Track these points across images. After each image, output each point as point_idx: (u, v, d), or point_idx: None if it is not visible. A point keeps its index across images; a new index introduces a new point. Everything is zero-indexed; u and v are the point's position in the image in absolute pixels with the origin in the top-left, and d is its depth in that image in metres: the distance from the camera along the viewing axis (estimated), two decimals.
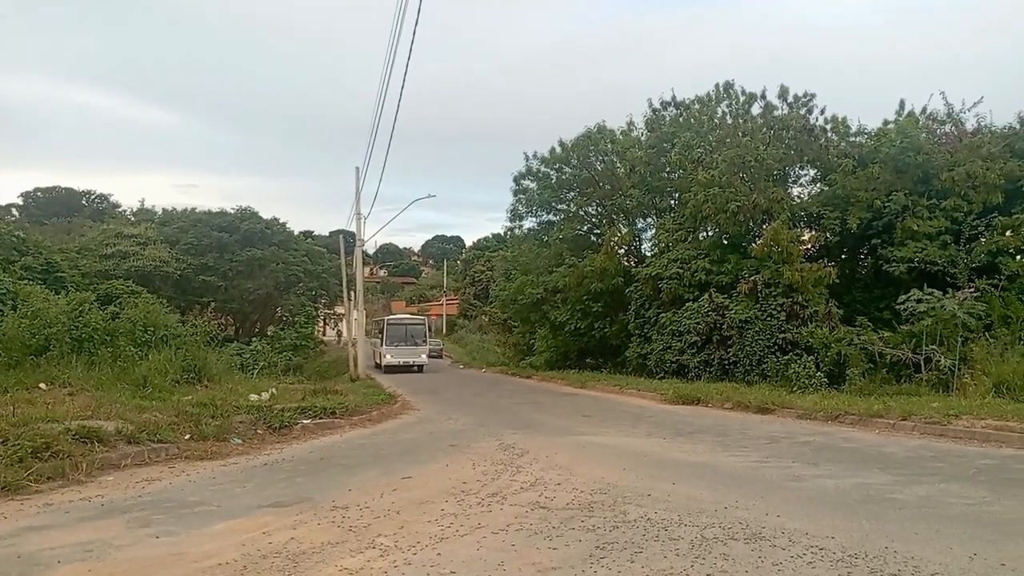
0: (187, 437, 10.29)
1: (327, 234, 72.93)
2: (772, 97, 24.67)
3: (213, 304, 39.39)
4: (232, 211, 43.05)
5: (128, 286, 27.70)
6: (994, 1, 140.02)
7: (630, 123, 30.51)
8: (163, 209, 46.65)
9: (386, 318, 38.93)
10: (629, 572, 4.48)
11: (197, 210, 43.88)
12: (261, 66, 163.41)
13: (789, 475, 8.04)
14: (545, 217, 32.41)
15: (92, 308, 17.47)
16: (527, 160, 31.75)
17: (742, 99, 26.29)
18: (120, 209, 59.78)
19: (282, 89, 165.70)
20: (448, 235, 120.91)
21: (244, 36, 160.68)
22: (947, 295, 16.26)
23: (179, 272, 36.50)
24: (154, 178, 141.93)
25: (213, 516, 6.38)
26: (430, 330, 43.05)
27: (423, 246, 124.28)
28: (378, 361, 36.95)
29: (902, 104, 23.21)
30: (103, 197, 68.56)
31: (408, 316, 44.65)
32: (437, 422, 14.37)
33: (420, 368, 36.02)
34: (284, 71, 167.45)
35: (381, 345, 36.37)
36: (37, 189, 67.70)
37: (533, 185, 31.95)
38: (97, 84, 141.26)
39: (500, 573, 4.61)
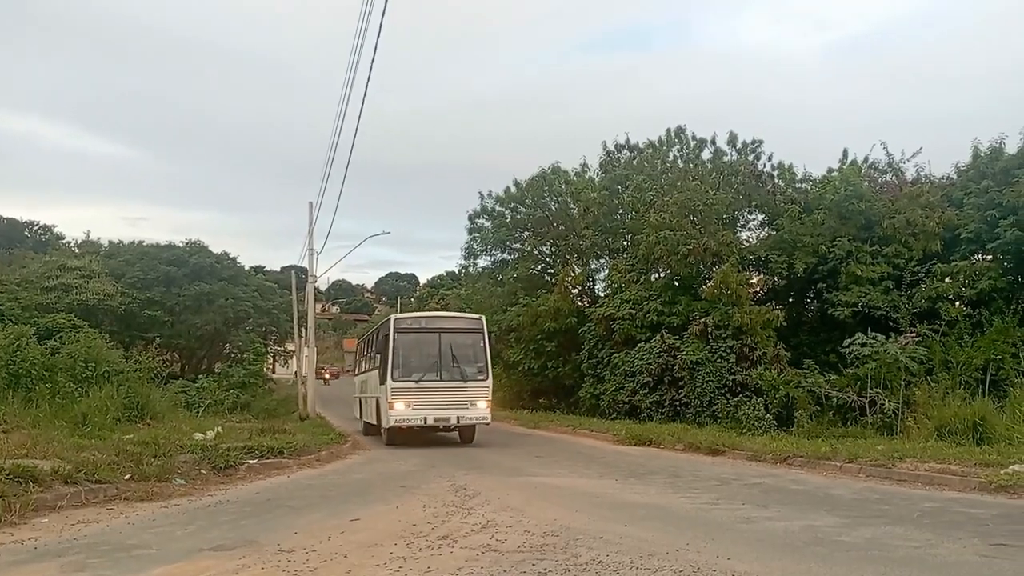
0: (127, 477, 9.92)
1: (279, 269, 72.00)
2: (722, 143, 25.45)
3: (159, 339, 38.34)
4: (181, 244, 42.16)
5: (70, 320, 26.87)
6: (928, 59, 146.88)
7: (584, 164, 31.06)
8: (109, 241, 45.47)
9: (394, 319, 18.29)
10: None
11: (145, 243, 42.86)
12: (213, 98, 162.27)
13: (739, 517, 8.08)
14: (499, 256, 32.59)
15: (30, 342, 16.91)
16: (482, 199, 31.95)
17: (693, 144, 27.00)
18: (64, 241, 58.13)
19: (235, 122, 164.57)
20: (402, 272, 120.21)
21: (196, 68, 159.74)
22: (890, 339, 16.72)
23: (124, 306, 35.51)
24: (101, 210, 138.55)
25: (151, 560, 6.14)
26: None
27: (376, 283, 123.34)
28: (373, 415, 18.98)
29: (845, 153, 24.11)
30: (47, 228, 66.60)
31: (444, 314, 23.44)
32: (387, 462, 14.14)
33: (471, 435, 17.88)
34: (237, 104, 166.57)
35: (386, 379, 16.91)
36: None
37: (488, 224, 32.16)
38: (42, 113, 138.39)
39: None
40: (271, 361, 46.03)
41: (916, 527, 7.41)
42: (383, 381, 17.12)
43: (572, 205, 29.92)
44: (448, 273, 44.55)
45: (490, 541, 6.73)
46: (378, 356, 18.47)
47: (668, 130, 27.64)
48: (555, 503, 9.08)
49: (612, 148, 29.43)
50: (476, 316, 19.20)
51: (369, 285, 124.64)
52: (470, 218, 32.74)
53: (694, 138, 27.09)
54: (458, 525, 7.58)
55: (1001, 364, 16.65)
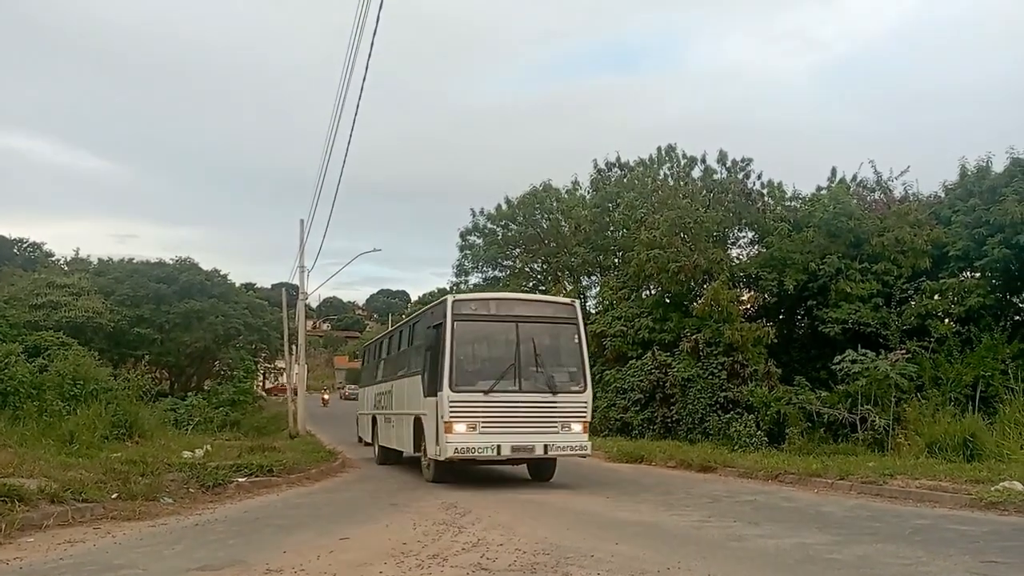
0: (114, 496, 9.81)
1: (269, 286, 71.66)
2: (712, 161, 25.67)
3: (148, 357, 38.10)
4: (171, 262, 42.03)
5: (58, 337, 26.66)
6: (915, 77, 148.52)
7: (575, 182, 31.26)
8: (99, 259, 45.26)
9: (453, 301, 12.63)
10: None
11: (134, 260, 42.71)
12: (204, 116, 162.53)
13: (731, 535, 8.06)
14: (491, 273, 32.67)
15: (19, 360, 16.79)
16: (473, 216, 32.09)
17: (683, 162, 27.23)
18: (53, 258, 57.68)
19: (227, 139, 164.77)
20: (393, 289, 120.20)
21: (187, 84, 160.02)
22: (880, 356, 16.76)
23: (113, 324, 35.30)
24: (91, 227, 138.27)
25: None
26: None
27: (368, 300, 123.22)
28: (406, 441, 14.41)
29: (834, 171, 24.30)
30: (36, 246, 66.15)
31: (523, 296, 18.06)
32: (377, 480, 14.06)
33: (550, 471, 13.44)
34: (229, 121, 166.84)
35: (439, 388, 11.98)
36: None
37: (479, 241, 32.29)
38: (31, 129, 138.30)
39: None
40: (262, 378, 45.69)
41: (907, 544, 7.40)
42: (432, 391, 12.21)
43: (563, 222, 30.09)
44: (439, 290, 44.58)
45: (481, 560, 6.69)
46: (421, 356, 13.33)
47: (659, 148, 27.97)
48: (546, 521, 9.03)
49: (603, 166, 29.71)
50: (568, 300, 13.96)
51: (360, 302, 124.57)
52: (461, 235, 32.89)
53: (684, 156, 27.34)
54: (448, 543, 7.53)
55: (990, 381, 16.71)
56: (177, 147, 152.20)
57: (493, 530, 8.28)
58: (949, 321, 19.42)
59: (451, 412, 11.77)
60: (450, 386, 11.82)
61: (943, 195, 22.34)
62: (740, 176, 24.52)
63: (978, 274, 19.88)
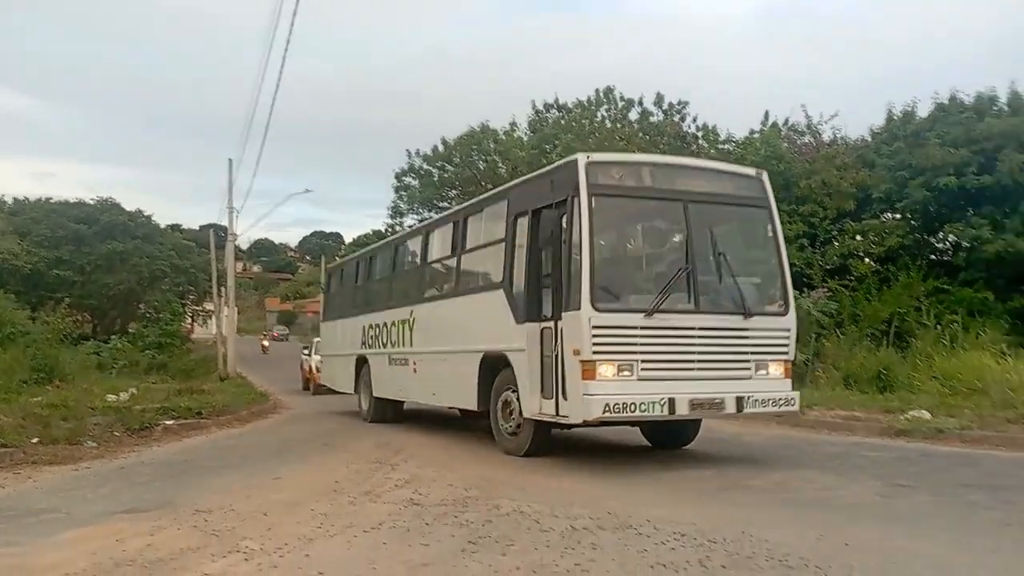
0: (35, 441, 9.55)
1: (197, 228, 69.72)
2: (649, 104, 25.75)
3: (68, 300, 36.71)
4: (92, 202, 40.47)
5: None
6: (846, 25, 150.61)
7: (513, 124, 30.93)
8: (14, 198, 43.08)
9: (586, 163, 7.78)
10: (500, 565, 4.50)
11: (53, 200, 40.92)
12: (128, 52, 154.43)
13: (657, 466, 8.31)
14: (427, 215, 32.30)
15: None
16: (409, 157, 31.60)
17: (621, 104, 27.21)
18: None
19: (151, 76, 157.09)
20: (327, 231, 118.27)
21: (109, 20, 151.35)
22: (803, 295, 17.32)
23: (30, 265, 33.89)
24: (5, 164, 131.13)
25: (62, 524, 5.93)
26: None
27: (301, 242, 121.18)
28: (464, 395, 10.00)
29: (767, 115, 24.62)
30: None
31: (688, 162, 10.81)
32: (311, 421, 14.02)
33: (689, 433, 9.44)
34: (153, 58, 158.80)
35: (575, 302, 7.49)
36: None
37: (415, 182, 31.87)
38: None
39: (371, 572, 4.52)
40: (190, 321, 44.69)
41: (821, 471, 7.77)
42: (533, 314, 8.37)
43: (501, 164, 29.85)
44: (374, 231, 44.07)
45: (413, 495, 6.75)
46: (502, 260, 9.01)
47: (597, 90, 27.81)
48: (480, 456, 9.16)
49: (541, 107, 29.45)
50: (752, 171, 9.08)
51: (293, 243, 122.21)
52: (397, 176, 32.40)
53: (622, 98, 27.31)
54: (381, 481, 7.57)
55: (905, 317, 17.46)
56: (102, 85, 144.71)
57: (427, 467, 8.36)
58: (869, 261, 20.16)
59: (595, 344, 7.37)
60: (592, 302, 7.40)
61: (870, 139, 22.94)
62: (676, 119, 24.71)
63: (899, 215, 20.64)
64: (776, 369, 8.21)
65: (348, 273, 16.73)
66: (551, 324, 8.04)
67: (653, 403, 7.41)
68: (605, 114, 27.73)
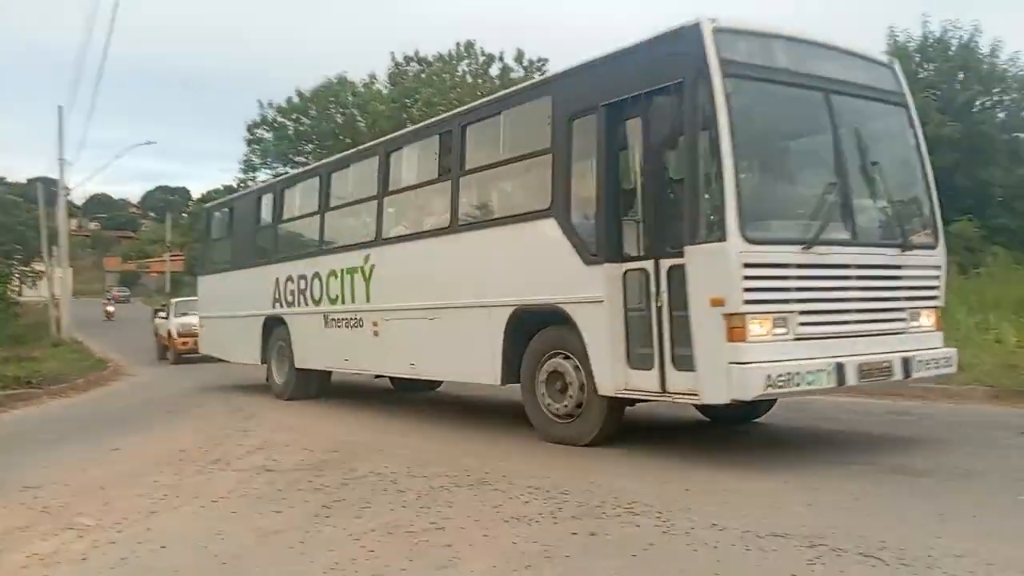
0: None
1: (25, 181, 63.68)
2: (509, 59, 25.78)
3: None
4: None
5: None
6: None
7: (372, 76, 30.16)
8: None
9: (711, 33, 5.36)
10: (355, 528, 4.43)
11: None
12: None
13: (514, 421, 8.45)
14: (281, 169, 31.14)
15: None
16: (262, 108, 30.29)
17: (482, 59, 27.14)
18: None
19: None
20: (173, 186, 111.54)
21: None
22: None
23: None
24: None
25: None
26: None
27: (143, 197, 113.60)
28: (481, 365, 7.52)
29: None
30: None
31: (825, 42, 6.33)
32: (155, 388, 13.30)
33: (764, 404, 7.01)
34: None
35: (708, 231, 5.31)
36: None
37: (269, 135, 30.63)
38: None
39: (218, 542, 4.34)
40: (17, 283, 41.05)
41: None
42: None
43: (359, 117, 29.10)
44: (225, 187, 41.49)
45: (266, 461, 6.54)
46: (565, 174, 6.56)
47: (458, 44, 27.50)
48: (335, 420, 9.01)
49: (401, 60, 28.82)
50: (883, 59, 6.95)
51: (134, 199, 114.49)
52: (249, 129, 30.93)
53: (483, 53, 27.20)
54: (232, 448, 7.29)
55: None
56: None
57: (280, 432, 8.13)
58: None
59: (747, 291, 5.28)
60: (740, 230, 5.26)
61: None
62: (536, 75, 24.87)
63: None
64: (927, 319, 6.43)
65: (244, 212, 12.90)
66: (644, 265, 5.93)
67: (820, 372, 5.47)
68: (466, 69, 27.54)
